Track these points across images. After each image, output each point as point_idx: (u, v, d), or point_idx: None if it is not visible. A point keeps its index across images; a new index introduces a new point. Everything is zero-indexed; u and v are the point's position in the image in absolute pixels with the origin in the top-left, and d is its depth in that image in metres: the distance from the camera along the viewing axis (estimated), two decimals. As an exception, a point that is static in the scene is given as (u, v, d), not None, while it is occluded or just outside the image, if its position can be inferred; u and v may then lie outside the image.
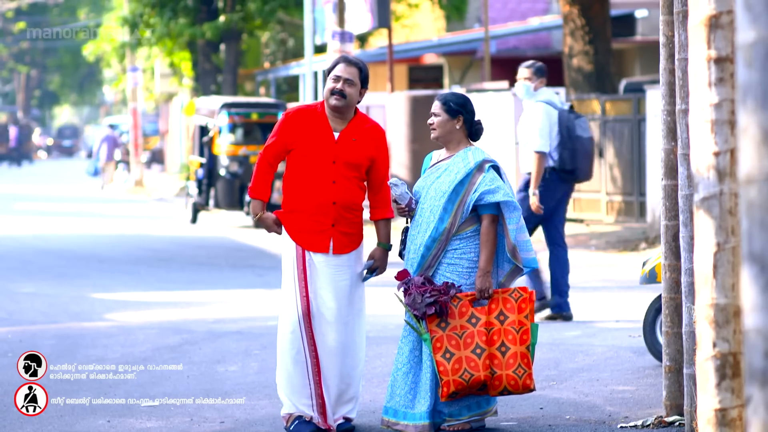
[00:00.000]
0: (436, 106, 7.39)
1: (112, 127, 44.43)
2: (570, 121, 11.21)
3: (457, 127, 7.36)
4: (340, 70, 7.40)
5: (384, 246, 7.52)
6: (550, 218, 11.37)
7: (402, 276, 7.22)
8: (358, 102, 7.49)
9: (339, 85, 7.35)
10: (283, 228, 7.43)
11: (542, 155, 11.11)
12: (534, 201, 11.04)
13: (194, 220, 24.86)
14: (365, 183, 7.52)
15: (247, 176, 22.28)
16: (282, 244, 7.48)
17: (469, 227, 7.25)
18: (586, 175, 11.43)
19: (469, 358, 7.06)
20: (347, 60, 7.47)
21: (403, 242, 7.45)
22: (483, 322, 7.12)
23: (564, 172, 11.25)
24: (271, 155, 7.46)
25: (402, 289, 7.18)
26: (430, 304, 7.05)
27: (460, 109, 7.35)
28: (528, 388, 7.16)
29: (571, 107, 11.41)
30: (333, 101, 7.35)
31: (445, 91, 26.09)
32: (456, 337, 7.09)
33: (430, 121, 7.41)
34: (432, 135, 7.44)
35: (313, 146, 7.36)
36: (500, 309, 7.16)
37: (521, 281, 9.71)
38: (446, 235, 7.21)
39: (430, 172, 7.41)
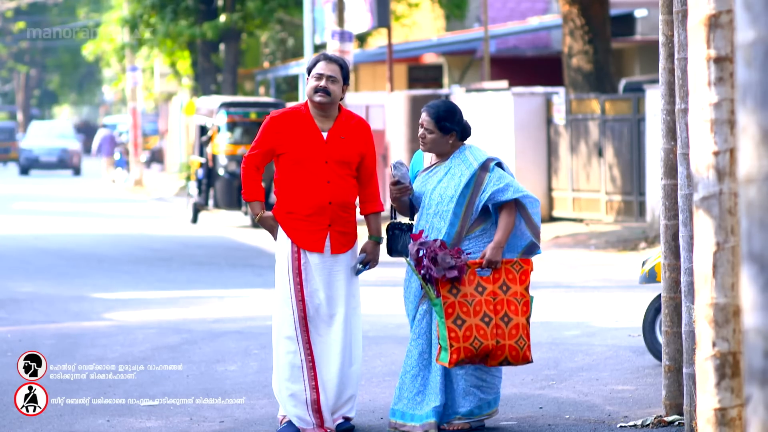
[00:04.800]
0: (429, 123, 7.27)
1: (105, 126, 44.54)
2: None
3: (450, 141, 7.35)
4: (321, 67, 7.30)
5: (375, 239, 7.48)
6: None
7: (417, 237, 7.20)
8: (341, 99, 7.42)
9: (322, 83, 7.26)
10: (279, 227, 7.37)
11: None
12: None
13: (195, 220, 24.83)
14: (356, 179, 7.47)
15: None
16: (276, 244, 7.43)
17: (477, 227, 7.26)
18: None
19: (478, 326, 7.09)
20: (328, 57, 7.38)
21: (391, 239, 7.44)
22: (489, 291, 7.15)
23: None
24: (257, 160, 7.35)
25: (415, 249, 7.14)
26: (452, 268, 7.03)
27: (454, 127, 7.30)
28: (527, 360, 7.20)
29: None
30: (317, 98, 7.25)
31: (445, 90, 26.07)
32: (467, 304, 7.10)
33: (421, 134, 7.32)
34: (423, 148, 7.38)
35: (303, 148, 7.28)
36: (503, 279, 7.19)
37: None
38: (458, 238, 7.23)
39: (428, 174, 7.38)
